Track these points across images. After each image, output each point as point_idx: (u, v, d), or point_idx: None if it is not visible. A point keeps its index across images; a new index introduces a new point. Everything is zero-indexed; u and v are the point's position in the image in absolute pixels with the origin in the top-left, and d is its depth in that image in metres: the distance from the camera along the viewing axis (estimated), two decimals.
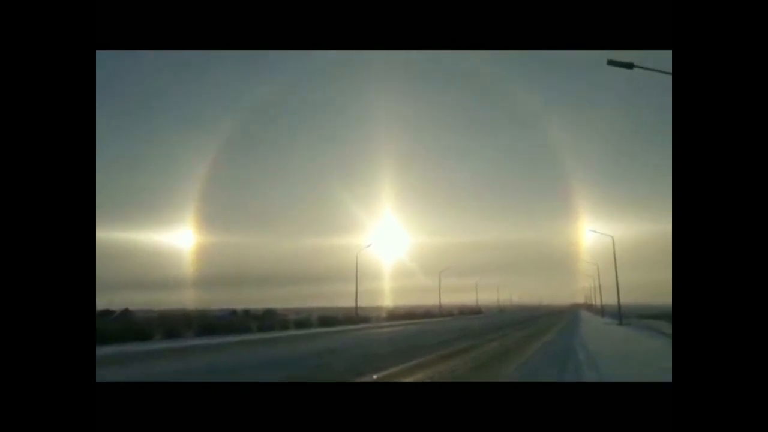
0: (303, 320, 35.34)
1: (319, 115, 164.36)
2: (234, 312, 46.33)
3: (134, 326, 22.59)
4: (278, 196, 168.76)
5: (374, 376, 9.94)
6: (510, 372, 10.81)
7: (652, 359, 12.93)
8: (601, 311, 61.63)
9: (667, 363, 12.00)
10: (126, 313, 36.44)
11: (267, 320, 34.66)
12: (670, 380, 3.19)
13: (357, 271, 42.43)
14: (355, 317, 41.07)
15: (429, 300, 76.75)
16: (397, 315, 53.67)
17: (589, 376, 9.84)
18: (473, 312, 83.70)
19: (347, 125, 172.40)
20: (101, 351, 13.97)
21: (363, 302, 47.75)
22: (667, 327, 29.01)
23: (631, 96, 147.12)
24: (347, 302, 46.86)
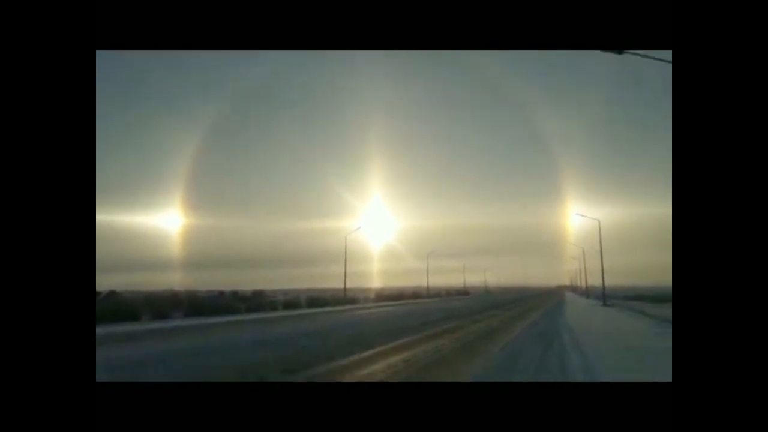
0: (291, 301, 35.53)
1: (309, 99, 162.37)
2: (221, 293, 46.32)
3: (122, 307, 22.50)
4: (267, 179, 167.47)
5: (361, 354, 10.09)
6: (495, 351, 11.02)
7: (633, 339, 13.25)
8: (586, 293, 62.74)
9: (648, 343, 12.31)
10: (113, 294, 36.23)
11: (255, 301, 34.75)
12: (670, 380, 3.20)
13: (346, 253, 42.85)
14: (343, 298, 41.35)
15: (417, 282, 77.47)
16: (385, 296, 54.13)
17: (573, 357, 10.07)
18: (460, 293, 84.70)
19: (336, 109, 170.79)
20: None
21: (352, 284, 47.97)
22: (650, 308, 29.70)
23: (621, 82, 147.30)
24: (336, 284, 47.07)
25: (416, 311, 29.94)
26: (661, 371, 8.08)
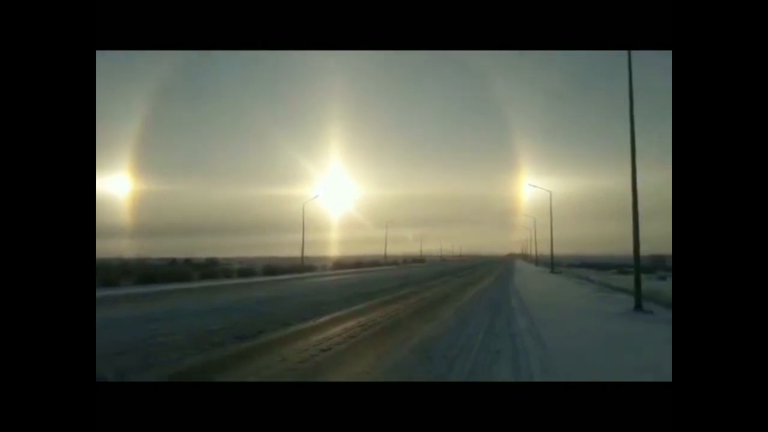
0: (247, 269, 34.95)
1: (266, 64, 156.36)
2: (174, 261, 45.14)
3: None
4: (222, 144, 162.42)
5: (317, 320, 10.16)
6: (447, 316, 11.37)
7: (577, 302, 13.99)
8: (536, 261, 65.43)
9: (591, 305, 13.04)
10: None
11: (209, 269, 34.05)
12: (670, 380, 3.24)
13: (303, 221, 42.57)
14: (301, 266, 41.23)
15: (376, 250, 78.17)
16: (343, 264, 54.40)
17: (520, 320, 10.54)
18: (417, 261, 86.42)
19: (293, 73, 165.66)
20: None
21: (310, 253, 47.97)
22: (595, 275, 31.41)
23: (578, 57, 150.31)
24: (294, 252, 46.93)
25: (373, 278, 30.30)
26: (601, 334, 8.60)
